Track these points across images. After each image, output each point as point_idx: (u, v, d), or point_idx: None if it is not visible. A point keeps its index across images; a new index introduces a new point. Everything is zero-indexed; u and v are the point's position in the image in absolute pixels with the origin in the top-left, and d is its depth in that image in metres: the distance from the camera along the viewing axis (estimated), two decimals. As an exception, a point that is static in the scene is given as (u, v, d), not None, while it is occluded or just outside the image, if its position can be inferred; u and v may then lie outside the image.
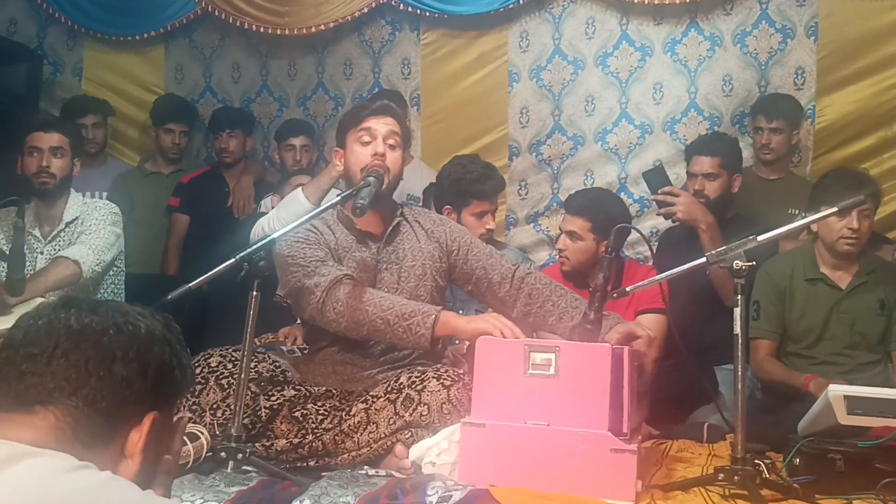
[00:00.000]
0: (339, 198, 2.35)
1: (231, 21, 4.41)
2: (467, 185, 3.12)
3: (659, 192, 3.24)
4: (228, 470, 2.03)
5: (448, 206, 3.17)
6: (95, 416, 1.00)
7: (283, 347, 3.03)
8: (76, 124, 3.87)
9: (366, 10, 4.27)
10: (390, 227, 2.52)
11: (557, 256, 3.18)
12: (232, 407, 2.14)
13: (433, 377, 2.21)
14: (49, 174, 3.20)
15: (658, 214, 3.39)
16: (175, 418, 1.11)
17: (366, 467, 2.19)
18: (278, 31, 4.37)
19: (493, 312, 2.45)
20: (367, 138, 2.45)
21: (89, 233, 3.24)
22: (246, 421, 2.19)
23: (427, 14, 4.22)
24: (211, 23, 4.56)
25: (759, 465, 2.01)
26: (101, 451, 1.00)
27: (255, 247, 2.15)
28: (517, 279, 2.51)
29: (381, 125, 2.46)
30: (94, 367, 1.00)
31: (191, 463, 2.02)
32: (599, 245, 3.02)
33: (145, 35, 4.57)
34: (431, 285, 2.51)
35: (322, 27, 4.31)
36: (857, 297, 3.01)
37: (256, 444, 2.20)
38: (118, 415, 1.02)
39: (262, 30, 4.39)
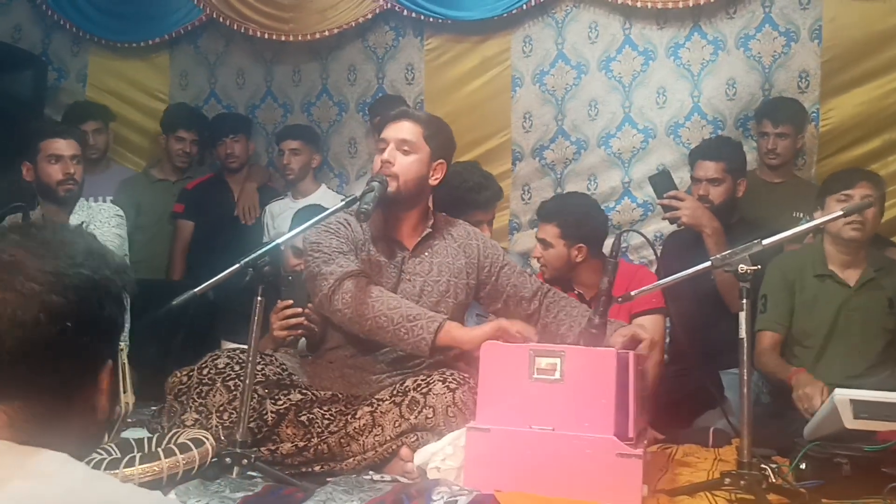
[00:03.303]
0: (343, 202, 2.35)
1: (236, 27, 4.43)
2: (462, 193, 3.05)
3: (664, 196, 3.23)
4: (234, 475, 2.03)
5: (443, 214, 3.14)
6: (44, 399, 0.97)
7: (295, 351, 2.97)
8: (82, 130, 3.89)
9: (370, 16, 4.29)
10: (419, 238, 2.51)
11: (538, 267, 3.09)
12: (238, 410, 2.14)
13: (438, 380, 2.21)
14: (74, 181, 3.24)
15: (663, 219, 3.38)
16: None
17: (371, 472, 2.19)
18: (283, 38, 4.38)
19: (496, 319, 2.45)
20: (382, 146, 2.47)
21: None
22: (252, 425, 2.19)
23: (430, 19, 4.22)
24: (216, 29, 4.58)
25: (765, 469, 2.00)
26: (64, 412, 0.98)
27: (258, 252, 2.15)
28: (541, 295, 2.55)
29: (392, 132, 2.45)
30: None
31: (196, 468, 2.02)
32: (571, 250, 2.95)
33: (150, 42, 4.59)
34: (453, 302, 2.49)
35: (326, 33, 4.33)
36: (866, 293, 2.97)
37: (262, 448, 2.20)
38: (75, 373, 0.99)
39: (266, 36, 4.40)
